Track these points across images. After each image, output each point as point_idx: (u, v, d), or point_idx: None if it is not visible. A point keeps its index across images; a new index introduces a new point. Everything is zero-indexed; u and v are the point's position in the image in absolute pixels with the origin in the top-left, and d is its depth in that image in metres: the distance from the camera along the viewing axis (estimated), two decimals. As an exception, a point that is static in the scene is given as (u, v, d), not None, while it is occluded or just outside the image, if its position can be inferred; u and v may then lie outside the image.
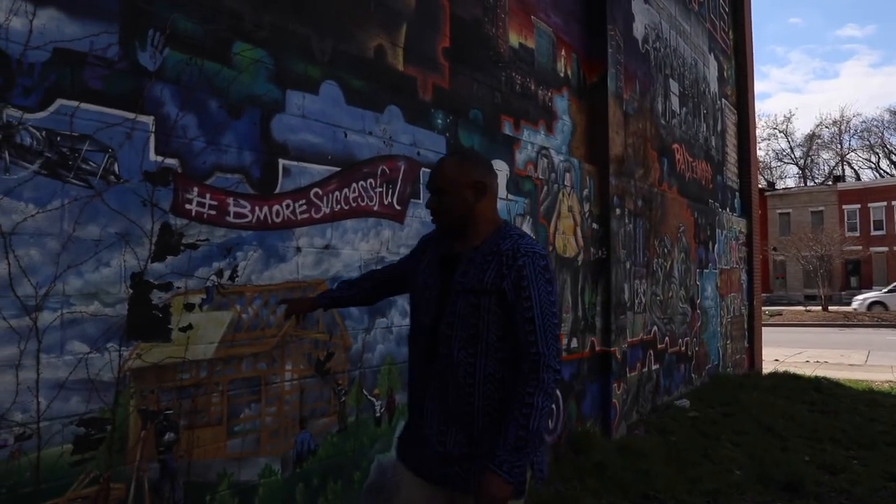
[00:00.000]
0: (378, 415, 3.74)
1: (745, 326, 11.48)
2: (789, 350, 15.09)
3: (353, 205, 3.61)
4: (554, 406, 5.50)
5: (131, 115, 2.64)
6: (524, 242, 2.03)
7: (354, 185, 3.61)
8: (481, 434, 1.99)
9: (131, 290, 2.62)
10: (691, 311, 8.93)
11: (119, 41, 2.62)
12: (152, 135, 2.71)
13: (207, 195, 2.89)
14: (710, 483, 4.96)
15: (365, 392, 3.66)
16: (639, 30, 7.66)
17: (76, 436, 2.43)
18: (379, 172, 3.79)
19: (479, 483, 1.89)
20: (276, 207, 3.18)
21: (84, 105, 2.49)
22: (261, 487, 3.08)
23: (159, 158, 2.73)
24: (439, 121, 4.32)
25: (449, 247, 2.14)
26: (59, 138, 2.43)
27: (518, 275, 1.96)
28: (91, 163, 2.52)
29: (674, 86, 8.75)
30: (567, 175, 5.87)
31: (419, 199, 4.08)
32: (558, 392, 5.56)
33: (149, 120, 2.70)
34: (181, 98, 2.82)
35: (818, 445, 6.19)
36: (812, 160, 58.11)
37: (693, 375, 8.92)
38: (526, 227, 5.19)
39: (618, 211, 6.54)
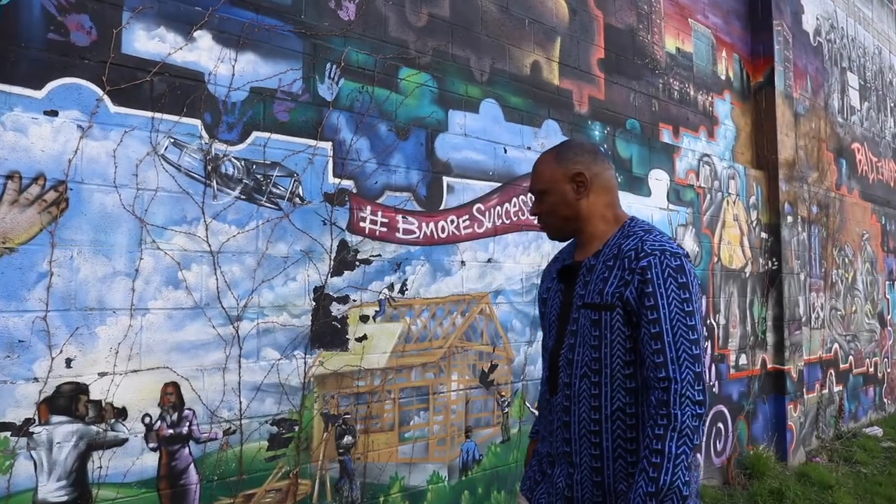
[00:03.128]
0: (539, 428, 3.75)
1: (948, 346, 10.07)
2: None
3: (514, 219, 3.67)
4: (721, 425, 5.18)
5: (313, 143, 2.90)
6: (650, 239, 1.62)
7: (515, 199, 3.68)
8: (615, 484, 1.60)
9: (314, 303, 2.86)
10: (880, 327, 8.01)
11: (302, 77, 2.89)
12: (330, 159, 2.96)
13: (379, 213, 3.09)
14: (911, 522, 4.41)
15: (527, 404, 3.69)
16: (809, 21, 7.07)
17: (270, 434, 2.69)
18: (536, 186, 3.82)
19: None
20: (441, 223, 3.32)
21: (274, 136, 2.78)
22: (429, 493, 3.21)
23: (336, 181, 2.97)
24: (596, 132, 4.28)
25: (570, 256, 1.81)
26: (254, 166, 2.72)
27: (641, 279, 1.56)
28: (280, 187, 2.79)
29: (852, 79, 7.96)
30: (731, 182, 5.54)
31: (576, 211, 4.06)
32: (712, 422, 5.23)
33: (327, 146, 2.95)
34: (355, 124, 3.05)
35: None
36: None
37: (885, 401, 7.98)
38: (689, 238, 4.97)
39: (789, 218, 6.06)
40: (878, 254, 8.10)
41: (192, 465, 2.48)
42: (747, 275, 5.65)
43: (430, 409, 3.24)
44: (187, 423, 2.48)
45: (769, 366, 5.83)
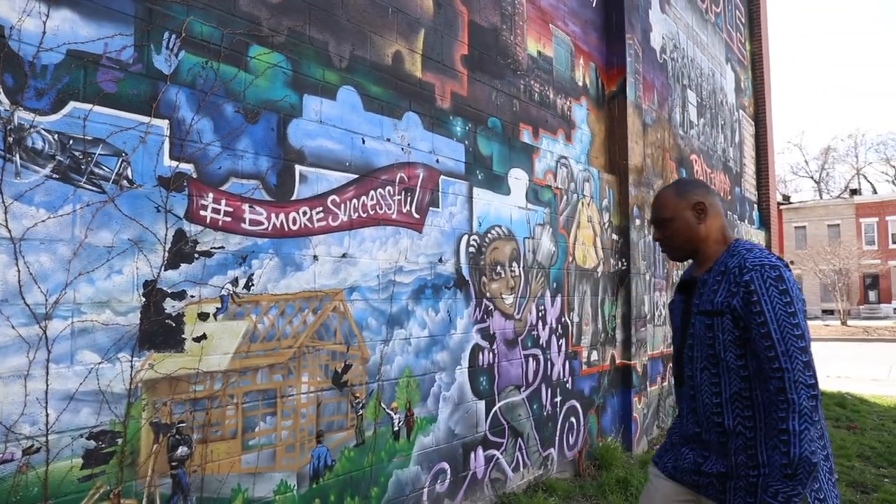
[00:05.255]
0: (396, 429, 3.62)
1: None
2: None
3: (372, 213, 3.52)
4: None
5: (146, 119, 2.58)
6: (751, 257, 1.95)
7: (372, 192, 3.53)
8: (737, 455, 1.94)
9: (144, 299, 2.54)
10: (711, 324, 8.74)
11: (134, 43, 2.56)
12: (167, 139, 2.64)
13: (223, 201, 2.81)
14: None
15: (383, 405, 3.55)
16: (657, 39, 7.57)
17: (86, 449, 2.34)
18: (397, 180, 3.71)
19: None
20: (292, 214, 3.10)
21: (97, 108, 2.43)
22: (276, 503, 2.97)
23: (174, 163, 2.66)
24: (458, 128, 4.24)
25: (690, 273, 2.19)
26: (71, 142, 2.36)
27: (746, 291, 1.89)
28: (104, 167, 2.45)
29: (691, 96, 8.64)
30: (586, 185, 5.76)
31: (438, 207, 3.99)
32: (565, 418, 5.42)
33: (163, 124, 2.64)
34: (196, 102, 2.76)
35: (847, 463, 5.98)
36: (827, 173, 57.57)
37: (714, 390, 8.71)
38: (546, 237, 5.08)
39: (637, 221, 6.42)
40: (710, 257, 8.83)
41: (-19, 490, 2.09)
42: (599, 274, 5.90)
43: (277, 413, 3.00)
44: (-23, 442, 2.09)
45: (618, 361, 6.13)
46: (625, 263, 6.24)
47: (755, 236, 10.98)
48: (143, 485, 2.51)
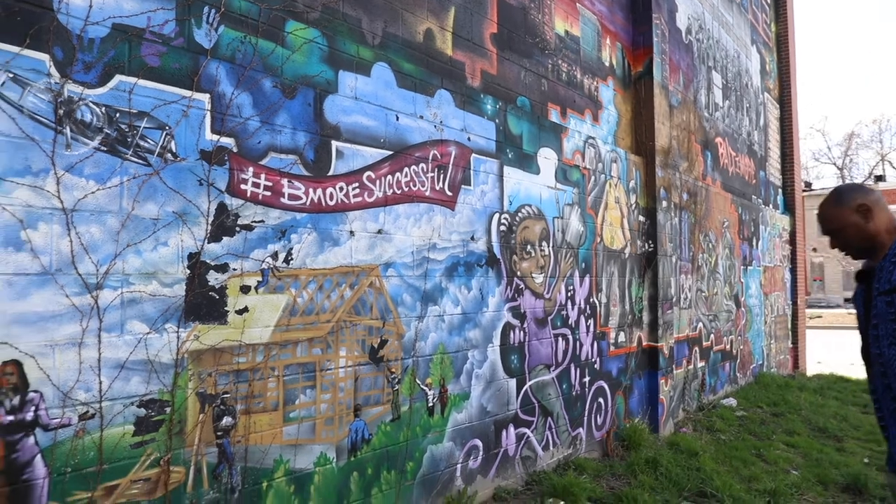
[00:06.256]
0: (430, 405, 3.65)
1: (789, 326, 11.15)
2: (832, 352, 14.63)
3: (406, 189, 3.53)
4: (602, 400, 5.36)
5: (188, 93, 2.60)
6: None
7: (406, 169, 3.54)
8: None
9: (188, 271, 2.57)
10: (736, 308, 8.69)
11: (175, 17, 2.58)
12: (208, 113, 2.67)
13: (262, 175, 2.84)
14: (767, 483, 4.77)
15: (418, 381, 3.57)
16: (682, 20, 7.48)
17: (137, 417, 2.38)
18: (430, 157, 3.71)
19: None
20: (329, 190, 3.12)
21: (142, 81, 2.46)
22: (316, 475, 3.01)
23: (215, 137, 2.69)
24: (489, 107, 4.23)
25: (868, 263, 2.31)
26: (118, 115, 2.39)
27: None
28: (149, 140, 2.48)
29: (717, 78, 8.54)
30: (614, 165, 5.73)
31: (470, 185, 3.99)
32: (593, 398, 5.42)
33: (205, 98, 2.66)
34: (236, 76, 2.78)
35: (877, 448, 5.93)
36: (851, 159, 56.68)
37: (738, 374, 8.67)
38: (574, 217, 5.07)
39: (664, 203, 6.37)
40: (735, 241, 8.76)
41: (38, 456, 2.14)
42: (626, 256, 5.87)
43: (316, 386, 3.03)
44: (32, 408, 2.13)
45: (644, 343, 6.11)
46: (651, 245, 6.21)
47: (780, 221, 10.86)
48: (191, 453, 2.55)
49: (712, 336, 7.84)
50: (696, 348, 7.32)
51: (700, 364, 7.40)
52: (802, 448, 5.87)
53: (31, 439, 2.12)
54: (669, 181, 6.51)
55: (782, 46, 11.50)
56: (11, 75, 2.12)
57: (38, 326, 2.14)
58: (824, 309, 34.32)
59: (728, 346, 8.35)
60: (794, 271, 11.40)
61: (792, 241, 11.41)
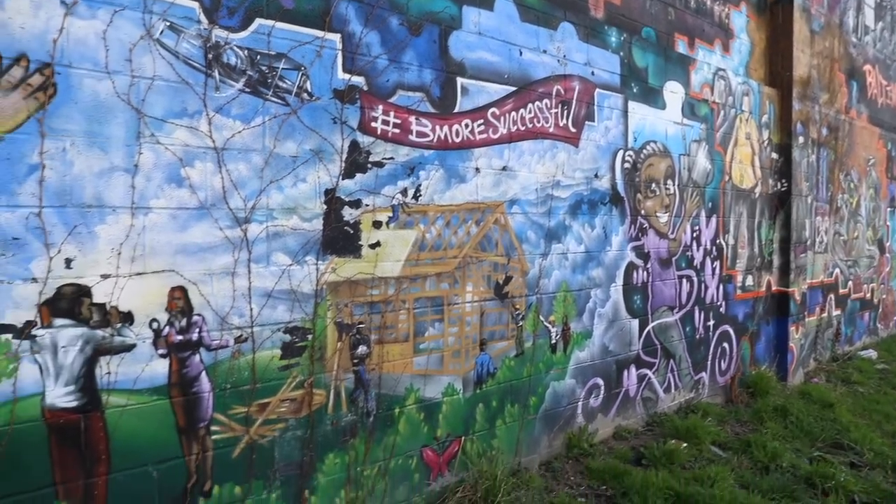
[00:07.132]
0: (553, 342, 3.68)
1: (941, 274, 10.13)
2: None
3: (530, 126, 3.48)
4: (726, 345, 5.17)
5: (320, 34, 2.67)
6: None
7: (530, 105, 3.48)
8: None
9: (325, 206, 2.70)
10: (879, 254, 8.00)
11: (308, -41, 2.63)
12: (339, 52, 2.73)
13: (391, 113, 2.89)
14: (912, 437, 4.45)
15: (541, 318, 3.60)
16: (828, -67, 6.72)
17: (283, 342, 2.57)
18: (554, 93, 3.62)
19: None
20: (455, 127, 3.13)
21: (279, 24, 2.54)
22: (444, 405, 3.14)
23: (346, 76, 2.75)
24: (613, 39, 4.04)
25: None
26: (258, 57, 2.50)
27: None
28: (287, 81, 2.58)
29: (867, -3, 7.66)
30: (745, 99, 5.35)
31: (593, 121, 3.87)
32: (717, 343, 5.22)
33: (336, 38, 2.72)
34: (364, 15, 2.81)
35: None
36: None
37: (879, 325, 8.04)
38: (701, 154, 4.81)
39: (801, 139, 5.90)
40: (882, 180, 8.00)
41: (203, 372, 2.37)
42: (757, 195, 5.53)
43: (444, 320, 3.13)
44: (197, 330, 2.35)
45: (774, 288, 5.79)
46: (785, 184, 5.79)
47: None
48: (331, 378, 2.73)
49: (850, 283, 7.28)
50: (832, 295, 6.84)
51: (836, 312, 6.92)
52: (953, 404, 5.41)
53: (197, 357, 2.35)
54: (807, 115, 6.00)
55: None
56: (168, 23, 2.26)
57: (199, 256, 2.34)
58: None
59: (868, 295, 7.74)
60: (948, 214, 10.27)
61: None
